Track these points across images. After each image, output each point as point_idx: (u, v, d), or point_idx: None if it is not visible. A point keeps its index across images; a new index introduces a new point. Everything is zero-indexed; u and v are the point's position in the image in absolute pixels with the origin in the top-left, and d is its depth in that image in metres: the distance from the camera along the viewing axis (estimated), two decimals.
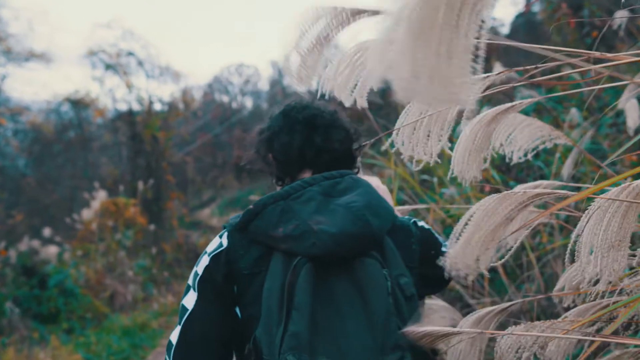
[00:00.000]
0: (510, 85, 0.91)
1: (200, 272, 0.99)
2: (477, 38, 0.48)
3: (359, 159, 1.08)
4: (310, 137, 0.99)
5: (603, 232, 0.75)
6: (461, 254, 0.82)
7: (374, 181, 1.10)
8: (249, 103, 30.37)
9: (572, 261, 0.83)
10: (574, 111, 3.33)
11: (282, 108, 1.09)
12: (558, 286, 1.18)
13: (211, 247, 1.01)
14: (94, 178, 13.36)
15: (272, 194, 0.97)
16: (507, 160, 1.22)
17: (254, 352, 0.88)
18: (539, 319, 2.67)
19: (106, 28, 16.51)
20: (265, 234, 0.92)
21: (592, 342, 0.80)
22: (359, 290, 0.88)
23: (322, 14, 0.65)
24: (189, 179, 22.10)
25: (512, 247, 0.99)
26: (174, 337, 0.95)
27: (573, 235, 0.77)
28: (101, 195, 9.81)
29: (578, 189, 1.43)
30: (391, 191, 4.00)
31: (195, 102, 20.98)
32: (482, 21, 0.47)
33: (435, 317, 1.73)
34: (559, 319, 0.95)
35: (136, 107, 14.08)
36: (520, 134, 1.19)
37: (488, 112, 0.96)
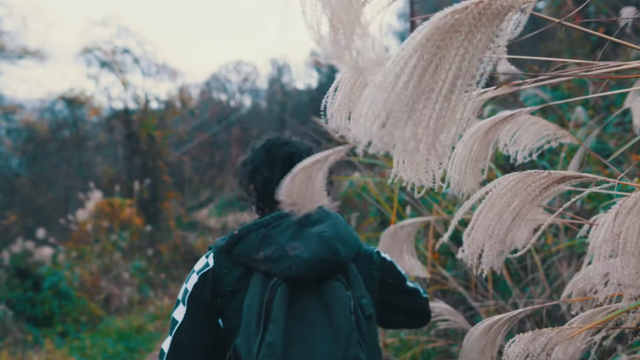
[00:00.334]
0: (515, 87, 0.90)
1: (189, 289, 1.14)
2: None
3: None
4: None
5: (622, 239, 0.73)
6: (477, 243, 0.80)
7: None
8: (247, 101, 30.38)
9: (578, 263, 0.82)
10: (579, 110, 3.33)
11: (264, 142, 1.26)
12: (565, 293, 1.18)
13: (199, 266, 1.18)
14: (89, 178, 13.36)
15: (255, 221, 1.15)
16: (511, 160, 1.21)
17: (234, 358, 1.05)
18: (544, 323, 2.66)
19: (101, 25, 16.51)
20: (248, 256, 1.09)
21: (599, 347, 0.80)
22: (326, 308, 1.06)
23: None
24: (186, 179, 22.11)
25: (518, 249, 0.98)
26: (166, 346, 1.10)
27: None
28: (96, 196, 9.81)
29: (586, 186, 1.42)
30: (392, 191, 4.01)
31: (192, 101, 20.99)
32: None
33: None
34: (566, 325, 0.95)
35: (132, 105, 14.09)
36: (525, 133, 1.19)
37: (485, 122, 0.95)
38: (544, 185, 0.79)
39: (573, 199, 0.86)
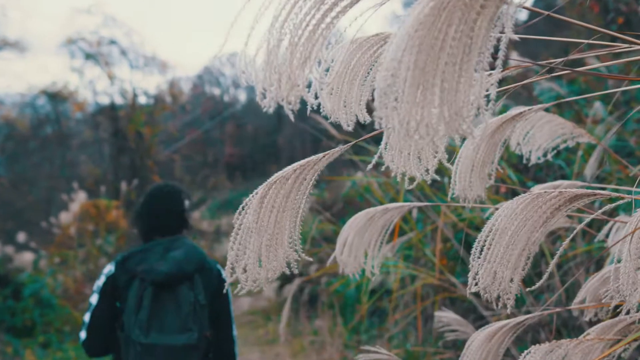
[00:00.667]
0: (529, 80, 0.90)
1: (100, 285, 2.05)
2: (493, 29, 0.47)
3: (190, 220, 2.19)
4: (159, 219, 2.11)
5: None
6: (491, 274, 0.79)
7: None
8: (242, 96, 30.38)
9: (596, 270, 0.81)
10: (598, 105, 3.32)
11: (150, 191, 2.20)
12: (579, 298, 1.18)
13: (106, 270, 2.07)
14: (72, 178, 13.34)
15: (138, 247, 2.07)
16: (524, 160, 1.21)
17: (122, 328, 1.94)
18: (559, 332, 2.67)
19: (86, 14, 16.53)
20: (132, 269, 1.99)
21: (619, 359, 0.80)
22: (176, 300, 1.94)
23: None
24: (177, 179, 22.09)
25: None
26: (87, 317, 2.03)
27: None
28: (81, 197, 9.80)
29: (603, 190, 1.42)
30: (398, 192, 4.01)
31: (183, 95, 20.99)
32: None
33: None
34: (582, 336, 0.95)
35: (119, 100, 14.10)
36: (540, 131, 1.19)
37: (492, 121, 0.94)
38: (555, 206, 0.79)
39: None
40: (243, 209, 0.77)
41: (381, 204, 4.18)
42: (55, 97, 14.75)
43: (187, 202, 2.18)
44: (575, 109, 3.73)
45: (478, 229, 3.04)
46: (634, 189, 0.86)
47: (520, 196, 0.80)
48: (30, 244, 9.69)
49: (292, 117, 0.54)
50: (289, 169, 0.77)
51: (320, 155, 0.77)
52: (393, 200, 4.17)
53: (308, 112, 0.67)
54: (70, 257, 8.64)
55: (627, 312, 0.95)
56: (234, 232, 0.76)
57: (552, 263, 0.81)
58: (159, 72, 16.66)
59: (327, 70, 0.79)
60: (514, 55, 4.31)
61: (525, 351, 0.93)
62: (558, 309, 1.20)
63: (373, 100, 0.47)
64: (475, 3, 0.46)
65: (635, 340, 0.93)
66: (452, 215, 3.25)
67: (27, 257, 8.84)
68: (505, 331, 1.08)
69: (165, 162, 16.43)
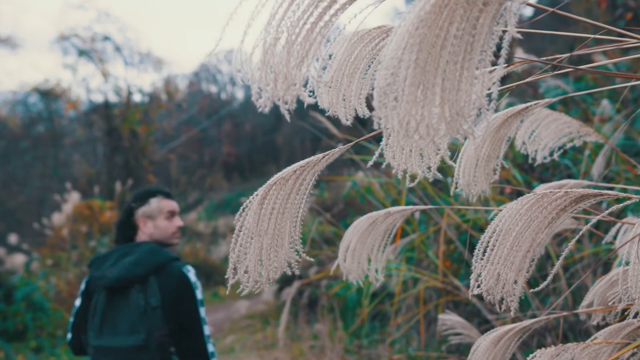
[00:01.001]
0: (535, 77, 0.90)
1: (82, 288, 2.27)
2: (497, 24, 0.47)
3: (138, 222, 2.30)
4: (120, 232, 2.32)
5: None
6: (494, 276, 0.79)
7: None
8: (240, 94, 30.38)
9: (604, 272, 0.82)
10: (605, 103, 3.33)
11: (126, 207, 2.37)
12: (586, 301, 1.18)
13: (85, 278, 2.28)
14: (65, 178, 13.35)
15: (99, 254, 2.31)
16: (530, 159, 1.21)
17: (84, 330, 2.20)
18: (566, 336, 2.67)
19: (79, 9, 16.55)
20: (92, 275, 2.20)
21: None
22: (127, 304, 2.09)
23: None
24: (173, 179, 22.12)
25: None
26: (72, 318, 2.26)
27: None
28: (74, 198, 9.81)
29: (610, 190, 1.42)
30: (400, 193, 4.01)
31: (179, 93, 21.00)
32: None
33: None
34: (589, 340, 0.95)
35: (113, 98, 14.10)
36: (546, 130, 1.19)
37: (497, 116, 0.94)
38: (560, 207, 0.79)
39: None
40: (243, 211, 0.77)
41: (383, 205, 4.18)
42: (48, 94, 14.75)
43: (138, 207, 2.29)
44: (582, 107, 3.74)
45: (482, 230, 3.04)
46: None
47: (524, 196, 0.80)
48: (22, 246, 9.69)
49: (288, 117, 0.54)
50: (288, 170, 0.77)
51: (320, 156, 0.77)
52: (395, 201, 4.17)
53: (308, 110, 0.67)
54: (63, 260, 8.64)
55: (635, 316, 0.95)
56: (234, 234, 0.77)
57: (558, 265, 0.81)
58: (154, 69, 16.68)
59: (325, 68, 0.79)
60: (519, 51, 4.31)
61: (531, 355, 0.93)
62: (564, 313, 1.21)
63: (373, 94, 0.47)
64: (477, 0, 0.46)
65: None
66: (455, 217, 3.25)
67: (19, 259, 8.84)
68: (511, 336, 1.09)
69: (160, 161, 16.44)
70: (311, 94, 0.62)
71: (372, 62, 0.80)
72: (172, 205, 2.32)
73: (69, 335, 2.24)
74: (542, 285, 0.83)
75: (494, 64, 0.49)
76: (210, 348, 2.16)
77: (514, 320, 2.62)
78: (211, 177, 26.40)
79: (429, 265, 3.82)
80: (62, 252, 8.93)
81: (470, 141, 0.93)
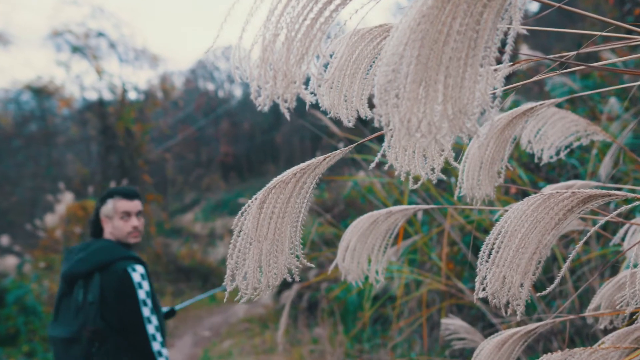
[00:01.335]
0: (541, 75, 0.90)
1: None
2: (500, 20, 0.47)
3: (104, 224, 2.51)
4: (90, 229, 2.57)
5: None
6: (499, 279, 0.79)
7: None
8: (237, 91, 30.38)
9: (611, 275, 0.82)
10: (613, 101, 3.33)
11: (95, 206, 2.63)
12: (593, 305, 1.18)
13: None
14: (58, 178, 13.35)
15: (67, 249, 2.56)
16: (536, 159, 1.21)
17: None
18: (572, 340, 2.67)
19: (72, 5, 16.54)
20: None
21: None
22: (71, 296, 2.33)
23: None
24: (169, 179, 22.12)
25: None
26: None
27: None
28: (67, 198, 9.81)
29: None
30: (402, 193, 4.02)
31: (175, 91, 21.01)
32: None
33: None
34: (597, 345, 0.95)
35: (108, 96, 14.10)
36: (552, 129, 1.19)
37: (502, 117, 0.94)
38: (568, 207, 0.79)
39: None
40: (242, 215, 0.77)
41: (385, 205, 4.19)
42: (41, 92, 14.76)
43: (100, 207, 2.52)
44: (589, 105, 3.74)
45: (487, 231, 3.04)
46: None
47: (531, 197, 0.80)
48: (14, 248, 9.69)
49: (288, 116, 0.54)
50: (288, 172, 0.77)
51: (321, 158, 0.77)
52: (397, 201, 4.17)
53: (307, 108, 0.67)
54: (57, 262, 8.64)
55: None
56: (232, 239, 0.77)
57: (565, 267, 0.81)
58: (149, 66, 16.69)
59: (326, 65, 0.79)
60: (524, 48, 4.31)
61: None
62: (571, 317, 1.21)
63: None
64: None
65: None
66: (459, 218, 3.25)
67: (11, 261, 8.84)
68: (516, 340, 1.09)
69: (156, 161, 16.44)
70: (311, 93, 0.62)
71: (373, 62, 0.80)
72: (128, 205, 2.48)
73: None
74: (549, 289, 0.83)
75: (498, 61, 0.49)
76: (156, 347, 2.26)
77: (519, 324, 2.62)
78: (208, 177, 26.40)
79: (432, 267, 3.82)
80: (56, 254, 8.93)
81: (474, 140, 0.93)
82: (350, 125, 0.80)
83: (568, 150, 1.24)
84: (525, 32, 0.50)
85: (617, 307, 1.11)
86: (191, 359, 6.43)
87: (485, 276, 0.81)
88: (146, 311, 2.28)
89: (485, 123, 0.69)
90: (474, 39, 0.45)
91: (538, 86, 4.66)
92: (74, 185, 12.59)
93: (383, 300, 4.35)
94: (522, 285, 0.80)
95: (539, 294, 0.85)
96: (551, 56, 0.91)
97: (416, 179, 0.90)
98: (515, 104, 3.11)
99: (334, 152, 0.78)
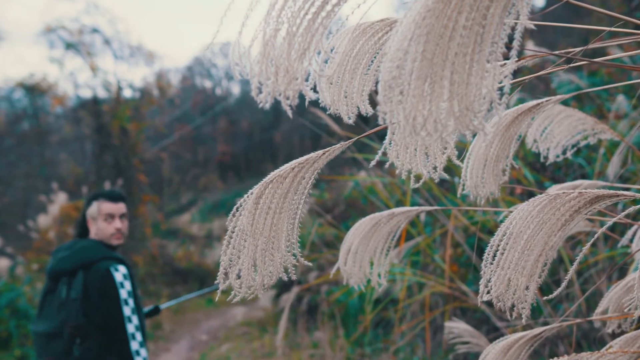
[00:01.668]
0: (547, 71, 0.90)
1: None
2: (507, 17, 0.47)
3: (90, 225, 2.66)
4: (75, 230, 2.73)
5: None
6: (504, 281, 0.79)
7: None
8: (235, 89, 30.39)
9: (619, 277, 0.81)
10: (621, 98, 3.33)
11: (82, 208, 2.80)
12: (601, 308, 1.18)
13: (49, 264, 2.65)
14: (52, 178, 13.35)
15: (58, 247, 2.67)
16: (541, 158, 1.21)
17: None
18: (579, 345, 2.67)
19: (66, 0, 16.53)
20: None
21: None
22: (55, 293, 2.47)
23: None
24: (165, 179, 22.13)
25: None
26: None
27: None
28: (60, 199, 9.81)
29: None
30: (404, 193, 4.02)
31: (172, 88, 21.00)
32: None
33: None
34: (604, 349, 0.95)
35: (102, 93, 14.09)
36: (558, 127, 1.19)
37: (507, 113, 0.94)
38: (574, 208, 0.79)
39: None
40: (237, 211, 0.77)
41: (386, 206, 4.18)
42: (33, 90, 14.75)
43: (86, 208, 2.67)
44: (596, 103, 3.74)
45: (491, 232, 3.04)
46: None
47: (536, 197, 0.80)
48: (6, 249, 9.69)
49: (290, 113, 0.54)
50: (286, 167, 0.77)
51: (320, 152, 0.77)
52: (399, 202, 4.17)
53: (307, 105, 0.67)
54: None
55: None
56: (227, 235, 0.77)
57: (572, 270, 0.81)
58: (145, 63, 16.69)
59: (326, 61, 0.79)
60: (530, 44, 4.31)
61: None
62: (578, 320, 1.21)
63: (377, 91, 0.47)
64: None
65: None
66: (463, 219, 3.25)
67: (3, 263, 8.84)
68: (522, 344, 1.09)
69: (152, 160, 16.44)
70: (312, 89, 0.62)
71: (375, 57, 0.80)
72: (112, 208, 2.63)
73: None
74: (555, 292, 0.83)
75: (505, 56, 0.49)
76: (135, 346, 2.41)
77: (525, 328, 2.62)
78: (205, 176, 26.40)
79: (435, 269, 3.82)
80: (49, 256, 8.93)
81: (481, 138, 0.93)
82: (351, 122, 0.80)
83: (575, 149, 1.25)
84: (533, 27, 0.50)
85: (626, 311, 1.11)
86: None
87: (490, 279, 0.81)
88: (127, 310, 2.41)
89: (490, 120, 0.69)
90: (480, 34, 0.45)
91: (544, 83, 4.66)
92: (68, 185, 12.59)
93: (385, 303, 4.35)
94: (527, 288, 0.80)
95: (545, 297, 0.85)
96: (557, 52, 0.91)
97: (418, 178, 0.90)
98: (521, 101, 3.11)
99: (333, 146, 0.78)
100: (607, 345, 0.99)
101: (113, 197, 2.67)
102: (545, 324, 2.61)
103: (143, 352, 2.44)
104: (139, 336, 2.43)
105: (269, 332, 6.99)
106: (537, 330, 1.10)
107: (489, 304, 3.06)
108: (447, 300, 3.48)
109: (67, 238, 9.22)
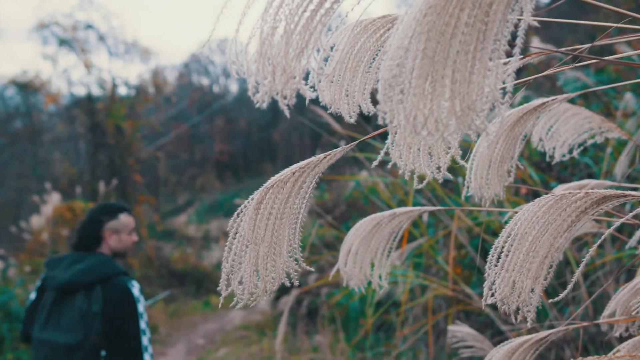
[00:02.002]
0: (553, 69, 0.90)
1: (37, 284, 2.71)
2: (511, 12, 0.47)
3: (104, 234, 2.74)
4: (83, 240, 2.71)
5: None
6: (509, 284, 0.79)
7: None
8: (233, 87, 30.40)
9: (627, 279, 0.82)
10: (629, 96, 3.33)
11: (93, 217, 2.79)
12: (608, 311, 1.18)
13: (41, 276, 2.73)
14: (45, 177, 13.35)
15: (54, 257, 2.76)
16: (547, 157, 1.21)
17: (32, 322, 2.66)
18: (586, 349, 2.67)
19: None
20: (47, 274, 2.67)
21: None
22: (72, 306, 2.54)
23: None
24: (161, 179, 22.13)
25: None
26: (24, 309, 2.75)
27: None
28: (54, 199, 9.81)
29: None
30: (407, 193, 4.02)
31: (168, 86, 21.02)
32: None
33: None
34: (612, 353, 0.95)
35: (96, 91, 14.11)
36: (564, 126, 1.19)
37: (512, 112, 0.94)
38: (581, 209, 0.79)
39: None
40: (238, 216, 0.77)
41: (388, 206, 4.19)
42: (26, 87, 14.76)
43: (107, 220, 2.77)
44: (603, 101, 3.74)
45: (496, 234, 3.04)
46: None
47: (542, 197, 0.80)
48: None
49: (287, 113, 0.54)
50: (287, 171, 0.77)
51: (321, 156, 0.77)
52: (401, 202, 4.17)
53: (307, 103, 0.67)
54: (43, 266, 8.65)
55: None
56: (228, 241, 0.77)
57: (578, 272, 0.81)
58: (141, 60, 16.69)
59: (327, 59, 0.79)
60: (535, 41, 4.31)
61: None
62: (585, 324, 1.21)
63: (378, 89, 0.47)
64: None
65: None
66: (467, 219, 3.25)
67: None
68: (527, 348, 1.09)
69: (148, 160, 16.45)
70: (311, 88, 0.62)
71: (376, 55, 0.80)
72: (132, 221, 2.86)
73: (21, 327, 2.74)
74: (561, 295, 0.83)
75: (508, 54, 0.49)
76: (147, 358, 2.61)
77: (530, 332, 2.62)
78: (202, 176, 26.41)
79: (438, 271, 3.82)
80: (42, 257, 8.93)
81: (483, 138, 0.93)
82: (352, 121, 0.80)
83: (581, 148, 1.25)
84: (536, 23, 0.50)
85: (633, 314, 1.12)
86: None
87: (494, 281, 0.81)
88: (142, 324, 2.62)
89: (494, 120, 0.69)
90: (482, 31, 0.45)
91: (550, 81, 4.66)
92: (61, 185, 12.61)
93: (387, 307, 4.35)
94: (533, 290, 0.80)
95: (550, 300, 0.85)
96: (563, 49, 0.91)
97: (421, 178, 0.90)
98: (526, 100, 3.11)
99: (335, 149, 0.78)
100: (615, 350, 0.99)
101: (130, 211, 2.88)
102: (551, 327, 2.61)
103: None
104: (150, 348, 2.63)
105: (267, 335, 6.99)
106: (543, 333, 1.10)
107: (493, 307, 3.06)
108: (450, 303, 3.48)
109: (61, 239, 9.23)
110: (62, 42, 13.88)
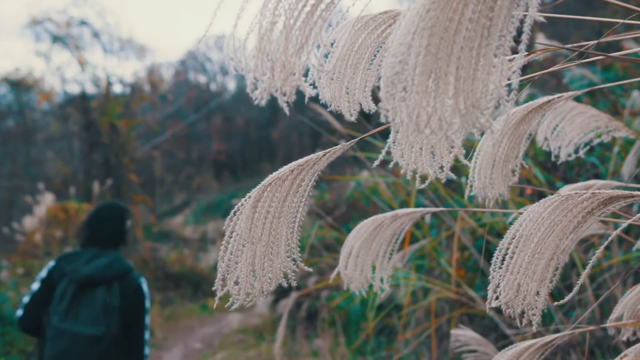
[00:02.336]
0: (559, 66, 0.90)
1: (43, 276, 2.82)
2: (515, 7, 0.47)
3: (127, 239, 3.06)
4: (97, 233, 2.93)
5: None
6: (514, 287, 0.79)
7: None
8: (231, 84, 30.40)
9: (634, 282, 0.81)
10: (636, 95, 3.33)
11: (98, 207, 3.07)
12: (615, 314, 1.18)
13: (50, 264, 2.86)
14: (38, 177, 13.35)
15: (70, 252, 2.89)
16: (553, 157, 1.21)
17: (48, 313, 2.74)
18: (592, 353, 2.67)
19: None
20: (63, 268, 2.78)
21: None
22: (92, 299, 2.72)
23: None
24: (157, 179, 22.13)
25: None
26: (26, 298, 2.82)
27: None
28: (47, 199, 9.81)
29: None
30: (409, 194, 4.02)
31: (164, 84, 21.02)
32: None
33: None
34: (619, 357, 0.95)
35: (91, 89, 14.11)
36: (570, 125, 1.19)
37: (516, 111, 0.94)
38: (587, 210, 0.79)
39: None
40: (234, 215, 0.77)
41: (390, 207, 4.18)
42: (19, 85, 14.76)
43: (128, 222, 3.05)
44: (610, 99, 3.74)
45: (500, 235, 3.04)
46: None
47: (547, 198, 0.80)
48: None
49: (287, 110, 0.54)
50: (285, 169, 0.77)
51: (321, 153, 0.77)
52: (403, 203, 4.17)
53: (307, 101, 0.67)
54: (36, 268, 8.64)
55: None
56: (224, 240, 0.77)
57: (584, 274, 0.81)
58: (136, 57, 16.70)
59: (327, 56, 0.79)
60: (540, 37, 4.31)
61: None
62: (591, 327, 1.21)
63: (380, 87, 0.47)
64: None
65: None
66: (470, 220, 3.25)
67: None
68: (532, 352, 1.09)
69: (143, 159, 16.45)
70: (311, 85, 0.62)
71: (378, 51, 0.80)
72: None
73: (19, 312, 2.83)
74: (567, 298, 0.83)
75: (513, 51, 0.49)
76: (147, 351, 2.87)
77: (535, 336, 2.61)
78: (199, 176, 26.42)
79: (440, 274, 3.82)
80: (35, 259, 8.93)
81: (488, 136, 0.92)
82: (353, 119, 0.80)
83: (588, 147, 1.25)
84: (542, 19, 0.50)
85: None
86: None
87: (499, 284, 0.81)
88: (147, 319, 2.88)
89: (499, 118, 0.69)
90: (487, 27, 0.45)
91: (555, 79, 4.67)
92: (55, 186, 12.60)
93: (388, 310, 4.35)
94: (538, 293, 0.80)
95: (556, 303, 0.85)
96: (569, 46, 0.91)
97: (424, 178, 0.90)
98: (531, 97, 3.11)
99: (334, 147, 0.78)
100: (622, 354, 0.99)
101: None
102: (557, 331, 2.61)
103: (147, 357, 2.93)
104: (148, 342, 2.89)
105: (266, 339, 6.99)
106: (548, 337, 1.10)
107: (498, 310, 3.06)
108: (453, 306, 3.48)
109: (54, 241, 9.22)
110: (56, 39, 13.88)
